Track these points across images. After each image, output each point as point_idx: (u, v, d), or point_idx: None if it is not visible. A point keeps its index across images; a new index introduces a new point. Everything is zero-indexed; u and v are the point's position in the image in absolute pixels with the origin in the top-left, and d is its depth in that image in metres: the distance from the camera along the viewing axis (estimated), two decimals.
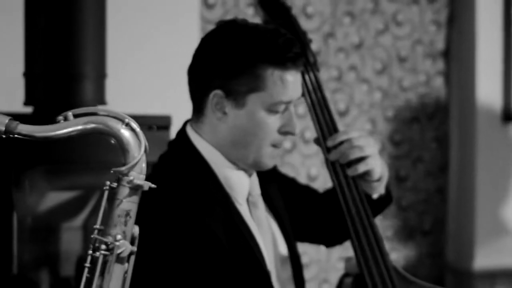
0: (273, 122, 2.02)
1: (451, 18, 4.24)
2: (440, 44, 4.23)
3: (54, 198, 3.13)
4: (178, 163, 2.06)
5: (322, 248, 4.02)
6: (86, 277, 1.34)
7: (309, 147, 4.00)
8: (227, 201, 2.04)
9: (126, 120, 1.33)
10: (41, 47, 3.01)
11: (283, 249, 2.17)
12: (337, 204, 2.22)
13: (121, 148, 1.33)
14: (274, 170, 2.26)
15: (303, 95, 2.25)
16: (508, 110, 4.17)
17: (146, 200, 1.78)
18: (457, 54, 4.24)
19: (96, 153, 2.99)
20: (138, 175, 1.33)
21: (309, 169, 4.00)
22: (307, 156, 4.01)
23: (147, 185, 1.34)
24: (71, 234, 3.17)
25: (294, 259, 2.20)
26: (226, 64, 2.00)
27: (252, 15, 3.82)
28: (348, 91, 4.06)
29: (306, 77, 2.26)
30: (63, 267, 3.10)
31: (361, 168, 2.16)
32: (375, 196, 2.26)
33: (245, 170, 2.09)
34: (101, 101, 3.12)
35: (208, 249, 1.97)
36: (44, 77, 3.02)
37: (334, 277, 4.04)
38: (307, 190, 2.39)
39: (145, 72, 3.54)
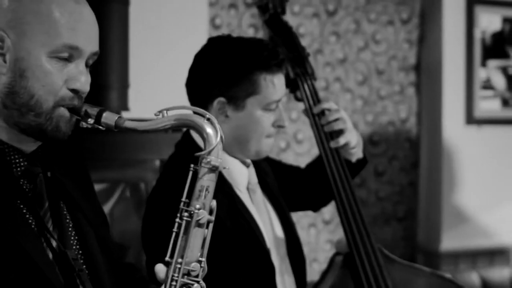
0: (268, 118, 2.06)
1: (421, 37, 4.23)
2: (412, 59, 4.23)
3: None
4: (185, 160, 2.08)
5: (312, 232, 4.04)
6: (173, 240, 1.42)
7: (301, 147, 4.01)
8: (230, 190, 2.07)
9: (207, 116, 1.41)
10: None
11: (279, 230, 2.19)
12: (319, 173, 2.29)
13: (203, 137, 1.41)
14: (267, 158, 2.30)
15: (301, 99, 2.29)
16: (470, 115, 4.15)
17: (156, 196, 1.83)
18: (426, 67, 4.23)
19: (121, 152, 3.01)
20: (215, 159, 1.40)
21: (301, 165, 4.02)
22: (299, 154, 4.02)
23: (221, 165, 1.41)
24: None
25: (291, 237, 2.22)
26: (226, 74, 2.02)
27: (252, 35, 3.84)
28: (334, 99, 4.05)
29: (305, 84, 2.29)
30: None
31: (342, 141, 2.24)
32: (354, 160, 2.33)
33: (244, 163, 2.12)
34: (125, 107, 3.14)
35: (214, 231, 1.99)
36: None
37: (322, 257, 4.05)
38: (292, 167, 2.45)
39: (161, 83, 3.55)
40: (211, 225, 1.43)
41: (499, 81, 4.22)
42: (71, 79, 1.41)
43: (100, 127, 1.41)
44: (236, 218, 2.03)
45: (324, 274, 2.29)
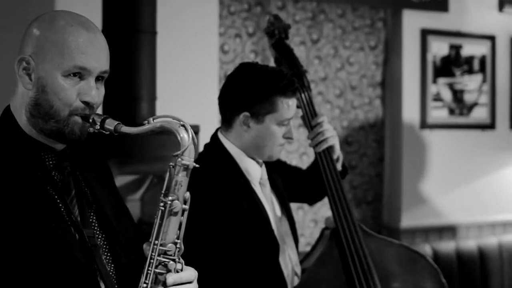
0: (281, 132, 2.06)
1: (386, 60, 4.22)
2: (378, 78, 4.21)
3: (121, 180, 3.13)
4: (213, 158, 2.07)
5: (300, 213, 4.01)
6: (154, 224, 1.39)
7: (291, 146, 3.99)
8: (247, 183, 2.06)
9: (182, 122, 1.37)
10: (112, 80, 3.00)
11: (278, 211, 2.18)
12: (315, 175, 2.27)
13: (177, 140, 1.36)
14: (277, 160, 2.27)
15: (299, 107, 2.26)
16: (424, 121, 4.15)
17: (194, 185, 1.77)
18: (389, 84, 4.22)
19: (150, 150, 2.98)
20: (188, 158, 1.36)
21: (291, 161, 3.99)
22: (289, 152, 4.00)
23: (192, 165, 1.36)
24: (133, 204, 3.16)
25: (290, 219, 2.22)
26: (251, 95, 2.01)
27: (253, 59, 3.82)
28: (316, 109, 4.03)
29: (302, 95, 2.26)
30: None
31: (323, 146, 2.24)
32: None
33: (258, 162, 2.10)
34: (153, 115, 3.10)
35: (235, 214, 1.99)
36: (114, 100, 3.01)
37: (307, 232, 4.03)
38: (295, 168, 2.42)
39: (182, 96, 3.54)
40: (186, 213, 1.38)
41: (447, 95, 4.22)
42: (83, 93, 1.40)
43: (104, 131, 1.40)
44: (251, 203, 2.03)
45: (315, 245, 2.28)
